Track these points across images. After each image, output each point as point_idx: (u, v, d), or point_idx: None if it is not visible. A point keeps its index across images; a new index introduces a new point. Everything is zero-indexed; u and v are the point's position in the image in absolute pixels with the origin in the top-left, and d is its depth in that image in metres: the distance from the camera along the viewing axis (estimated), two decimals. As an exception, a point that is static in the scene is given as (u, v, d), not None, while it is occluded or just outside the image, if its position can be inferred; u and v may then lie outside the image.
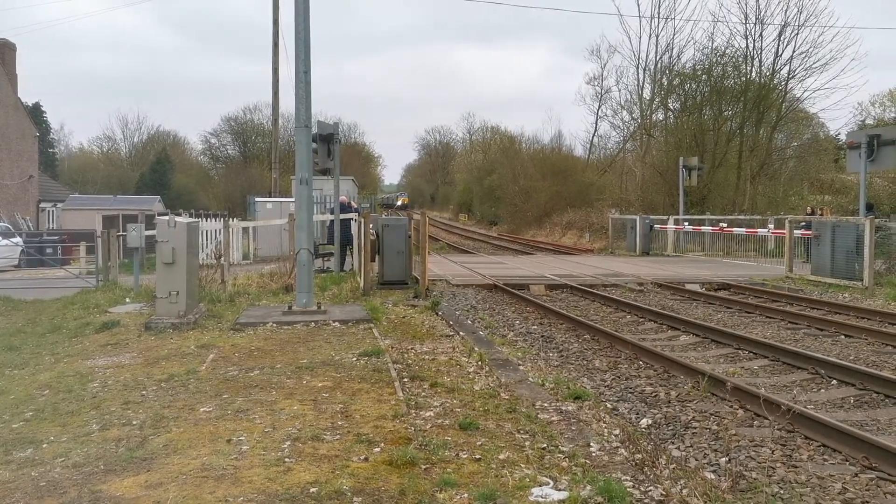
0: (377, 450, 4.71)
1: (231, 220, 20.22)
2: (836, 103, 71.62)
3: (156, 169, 59.06)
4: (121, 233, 16.04)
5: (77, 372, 7.14)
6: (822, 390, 7.19)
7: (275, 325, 9.60)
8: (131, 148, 71.61)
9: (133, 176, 61.06)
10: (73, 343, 9.01)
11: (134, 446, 4.80)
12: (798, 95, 31.84)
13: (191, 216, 22.63)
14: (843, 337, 9.96)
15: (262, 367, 7.13)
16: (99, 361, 7.64)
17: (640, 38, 61.85)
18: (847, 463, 5.13)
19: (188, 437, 4.98)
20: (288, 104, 59.17)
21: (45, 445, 4.92)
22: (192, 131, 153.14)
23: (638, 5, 59.22)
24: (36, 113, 52.05)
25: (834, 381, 7.41)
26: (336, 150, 15.43)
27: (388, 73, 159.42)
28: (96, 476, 4.30)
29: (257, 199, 27.14)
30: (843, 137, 31.51)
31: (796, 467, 5.06)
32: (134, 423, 5.35)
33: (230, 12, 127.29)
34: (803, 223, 17.96)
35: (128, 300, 12.31)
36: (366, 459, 4.54)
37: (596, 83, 47.18)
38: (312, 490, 4.05)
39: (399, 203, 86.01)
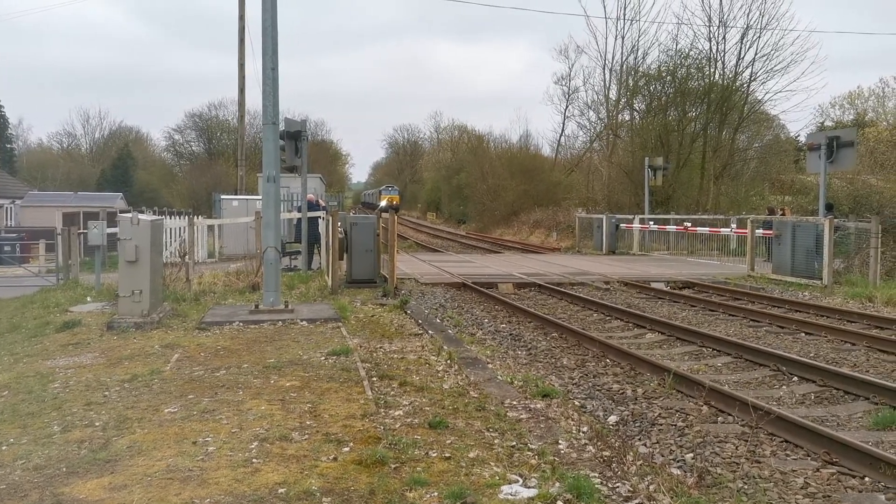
0: (346, 449, 4.69)
1: (196, 217, 19.88)
2: (796, 105, 74.44)
3: (118, 165, 58.06)
4: (82, 230, 15.71)
5: (37, 372, 6.97)
6: (784, 387, 7.34)
7: (241, 324, 9.50)
8: (92, 144, 70.23)
9: (94, 172, 59.93)
10: (32, 343, 8.80)
11: (97, 448, 4.71)
12: (760, 97, 32.45)
13: (154, 214, 22.26)
14: (803, 334, 10.17)
15: (229, 366, 7.04)
16: (60, 362, 7.48)
17: (606, 39, 62.03)
18: (809, 458, 5.24)
19: (153, 438, 4.90)
20: (254, 101, 58.86)
21: (4, 448, 4.79)
22: (154, 127, 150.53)
23: (604, 7, 59.83)
24: (-7, 107, 50.74)
25: (795, 378, 7.57)
26: (304, 147, 15.32)
27: (354, 71, 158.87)
28: (58, 478, 4.21)
29: (223, 197, 26.72)
30: (803, 139, 32.09)
31: (760, 463, 5.16)
32: (97, 424, 5.24)
33: (194, 6, 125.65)
34: (764, 222, 18.30)
35: (89, 299, 12.06)
36: (335, 459, 4.51)
37: (564, 83, 47.32)
38: (281, 491, 4.01)
39: (384, 203, 65.20)
